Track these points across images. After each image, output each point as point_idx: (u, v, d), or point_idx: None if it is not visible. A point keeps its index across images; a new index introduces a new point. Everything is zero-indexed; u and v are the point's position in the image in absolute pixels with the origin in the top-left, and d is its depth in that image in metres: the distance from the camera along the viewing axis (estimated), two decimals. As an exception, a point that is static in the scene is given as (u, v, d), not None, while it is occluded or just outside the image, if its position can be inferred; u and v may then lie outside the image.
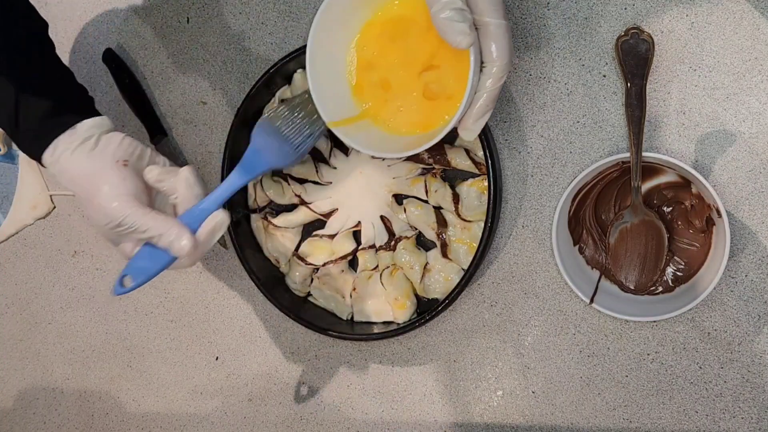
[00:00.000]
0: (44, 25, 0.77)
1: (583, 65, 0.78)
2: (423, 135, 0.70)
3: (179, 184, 0.72)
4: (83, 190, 0.70)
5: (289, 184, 0.87)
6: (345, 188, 0.86)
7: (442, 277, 0.82)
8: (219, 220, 0.70)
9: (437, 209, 0.83)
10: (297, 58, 0.83)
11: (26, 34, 0.73)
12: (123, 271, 0.70)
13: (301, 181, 0.87)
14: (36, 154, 0.71)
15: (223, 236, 0.93)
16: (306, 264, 0.86)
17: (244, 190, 0.89)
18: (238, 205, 0.88)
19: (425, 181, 0.82)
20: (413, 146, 0.69)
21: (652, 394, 0.79)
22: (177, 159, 0.93)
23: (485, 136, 0.77)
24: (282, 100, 0.85)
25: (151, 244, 0.69)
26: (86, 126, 0.71)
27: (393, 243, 0.84)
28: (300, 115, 0.76)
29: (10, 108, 0.69)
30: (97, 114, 0.73)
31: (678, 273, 0.78)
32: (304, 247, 0.87)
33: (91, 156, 0.70)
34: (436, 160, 0.81)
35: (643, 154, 0.73)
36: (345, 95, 0.73)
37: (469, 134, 0.68)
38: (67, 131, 0.70)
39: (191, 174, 0.72)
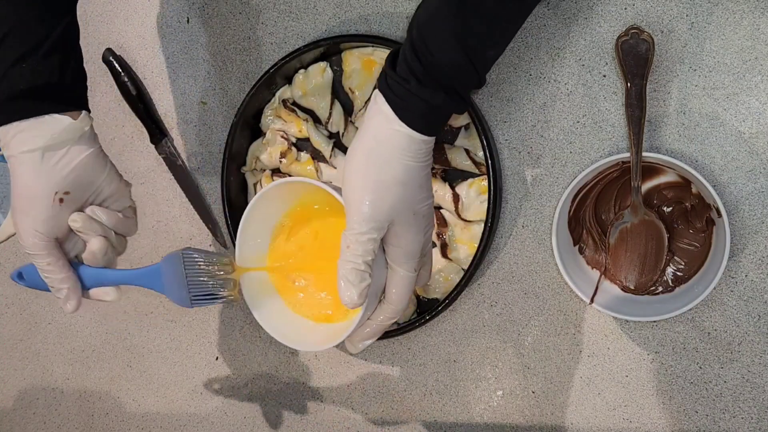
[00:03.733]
0: None
1: (583, 65, 0.78)
2: (314, 326, 0.75)
3: (87, 248, 0.70)
4: (17, 200, 0.67)
5: (289, 185, 0.87)
6: (345, 188, 0.86)
7: (442, 277, 0.82)
8: (110, 298, 0.72)
9: (437, 209, 0.83)
10: (297, 57, 0.83)
11: None
12: (26, 267, 0.72)
13: (301, 181, 0.87)
14: None
15: (222, 236, 0.93)
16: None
17: (244, 190, 0.89)
18: (238, 205, 0.88)
19: (425, 181, 0.82)
20: (305, 340, 0.74)
21: (652, 394, 0.79)
22: (177, 159, 0.93)
23: (485, 136, 0.77)
24: (285, 100, 0.84)
25: None
26: (54, 126, 0.66)
27: (393, 243, 0.84)
28: (211, 280, 0.74)
29: None
30: (77, 107, 0.68)
31: (678, 273, 0.78)
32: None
33: (35, 172, 0.66)
34: (436, 160, 0.81)
35: (643, 154, 0.73)
36: (262, 251, 0.76)
37: (353, 349, 0.72)
38: (30, 119, 0.65)
39: (98, 249, 0.70)
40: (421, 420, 0.87)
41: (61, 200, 0.67)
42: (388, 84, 0.63)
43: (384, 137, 0.63)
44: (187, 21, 0.92)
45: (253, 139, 0.88)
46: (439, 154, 0.81)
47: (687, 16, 0.74)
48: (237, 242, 0.74)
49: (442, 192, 0.81)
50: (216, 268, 0.72)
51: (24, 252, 0.69)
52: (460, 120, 0.80)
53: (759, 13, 0.73)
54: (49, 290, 0.70)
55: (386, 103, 0.63)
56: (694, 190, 0.76)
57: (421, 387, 0.87)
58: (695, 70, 0.75)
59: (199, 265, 0.72)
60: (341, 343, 0.70)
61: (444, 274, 0.82)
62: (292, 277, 0.76)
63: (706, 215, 0.75)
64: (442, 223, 0.82)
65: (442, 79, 0.62)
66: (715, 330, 0.77)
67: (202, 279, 0.72)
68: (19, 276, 0.72)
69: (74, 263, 0.70)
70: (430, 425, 0.87)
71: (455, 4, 0.60)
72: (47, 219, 0.67)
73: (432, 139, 0.64)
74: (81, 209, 0.69)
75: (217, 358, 0.95)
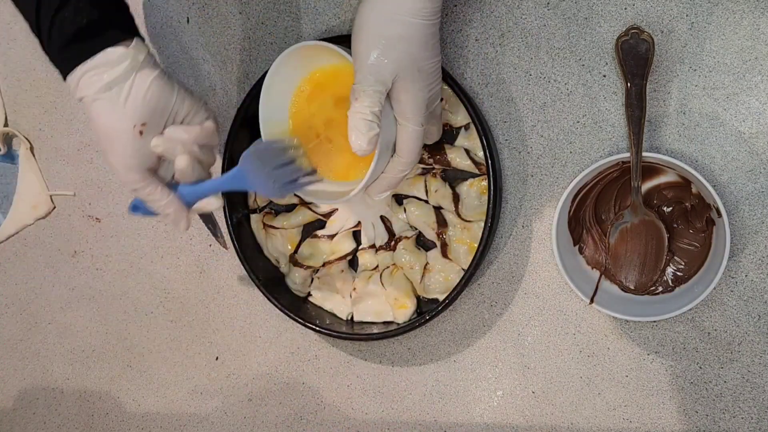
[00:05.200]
0: None
1: (583, 65, 0.78)
2: (332, 183, 0.77)
3: (175, 168, 0.72)
4: (101, 141, 0.69)
5: (289, 184, 0.87)
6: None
7: (442, 277, 0.82)
8: (213, 207, 0.74)
9: (437, 209, 0.83)
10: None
11: None
12: (135, 201, 0.73)
13: (301, 181, 0.87)
14: (61, 72, 0.69)
15: (222, 236, 0.93)
16: (302, 267, 0.86)
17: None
18: (238, 205, 0.88)
19: (425, 181, 0.82)
20: (324, 196, 0.76)
21: (652, 394, 0.79)
22: (177, 159, 0.93)
23: (485, 135, 0.77)
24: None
25: None
26: (112, 57, 0.67)
27: (393, 243, 0.84)
28: (289, 165, 0.76)
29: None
30: (127, 34, 0.69)
31: (678, 273, 0.78)
32: (304, 248, 0.87)
33: (109, 110, 0.68)
34: (436, 160, 0.81)
35: (643, 154, 0.73)
36: (284, 114, 0.79)
37: (372, 200, 0.79)
38: (87, 61, 0.67)
39: (186, 166, 0.72)
40: (421, 420, 0.87)
41: (140, 132, 0.69)
42: None
43: None
44: (187, 21, 0.92)
45: (253, 139, 0.88)
46: (439, 154, 0.81)
47: (687, 16, 0.74)
48: (261, 101, 0.76)
49: (442, 192, 0.81)
50: (290, 152, 0.75)
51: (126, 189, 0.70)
52: (460, 120, 0.80)
53: (759, 13, 0.73)
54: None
55: None
56: (694, 190, 0.76)
57: (421, 387, 0.87)
58: (695, 70, 0.75)
59: (276, 154, 0.74)
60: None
61: (444, 274, 0.82)
62: (313, 135, 0.78)
63: (706, 215, 0.75)
64: (442, 223, 0.82)
65: None
66: (715, 330, 0.77)
67: (282, 166, 0.74)
68: (134, 208, 0.74)
69: (173, 185, 0.72)
70: (430, 425, 0.87)
71: None
72: (135, 153, 0.69)
73: None
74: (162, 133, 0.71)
75: (217, 358, 0.95)
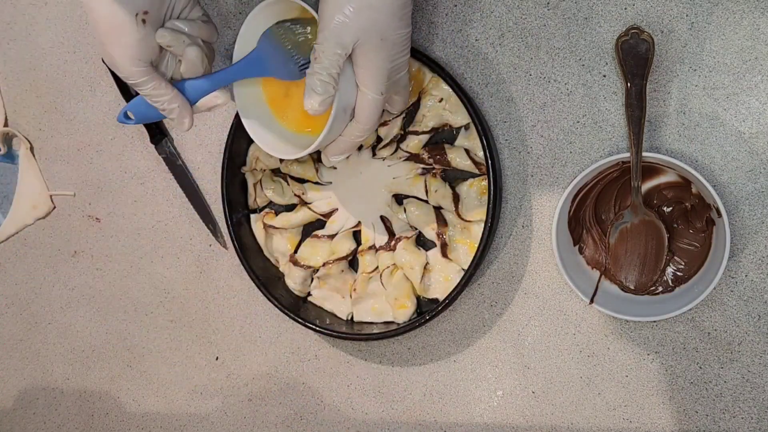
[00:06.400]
0: None
1: (583, 65, 0.78)
2: (296, 136, 0.77)
3: (184, 60, 0.72)
4: (100, 33, 0.68)
5: (288, 184, 0.87)
6: (345, 188, 0.86)
7: (442, 277, 0.82)
8: (221, 101, 0.76)
9: (437, 209, 0.83)
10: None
11: None
12: (128, 106, 0.73)
13: (301, 181, 0.87)
14: None
15: (222, 236, 0.93)
16: (299, 267, 0.86)
17: (244, 189, 0.89)
18: (238, 205, 0.88)
19: (425, 181, 0.82)
20: (283, 149, 0.76)
21: (652, 394, 0.79)
22: (177, 159, 0.93)
23: (485, 135, 0.77)
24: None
25: None
26: None
27: (393, 243, 0.84)
28: (304, 38, 0.77)
29: None
30: None
31: (678, 273, 0.78)
32: (304, 248, 0.87)
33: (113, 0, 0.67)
34: (436, 160, 0.81)
35: (643, 154, 0.73)
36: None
37: (327, 162, 0.82)
38: None
39: (196, 56, 0.72)
40: (421, 420, 0.87)
41: (143, 21, 0.68)
42: None
43: None
44: (187, 21, 0.91)
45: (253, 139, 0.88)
46: (439, 154, 0.81)
47: (687, 16, 0.74)
48: (235, 51, 0.75)
49: (442, 192, 0.81)
50: (307, 30, 0.74)
51: (128, 84, 0.70)
52: (460, 120, 0.80)
53: (759, 13, 0.73)
54: (159, 118, 0.73)
55: None
56: (694, 190, 0.76)
57: (421, 387, 0.87)
58: (695, 70, 0.75)
59: (294, 32, 0.74)
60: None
61: (444, 274, 0.82)
62: (284, 88, 0.78)
63: (706, 215, 0.75)
64: (442, 223, 0.82)
65: None
66: (715, 330, 0.77)
67: (300, 45, 0.74)
68: (126, 116, 0.73)
69: (174, 83, 0.72)
70: (430, 425, 0.87)
71: None
72: (137, 43, 0.68)
73: None
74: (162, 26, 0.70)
75: (217, 358, 0.95)
